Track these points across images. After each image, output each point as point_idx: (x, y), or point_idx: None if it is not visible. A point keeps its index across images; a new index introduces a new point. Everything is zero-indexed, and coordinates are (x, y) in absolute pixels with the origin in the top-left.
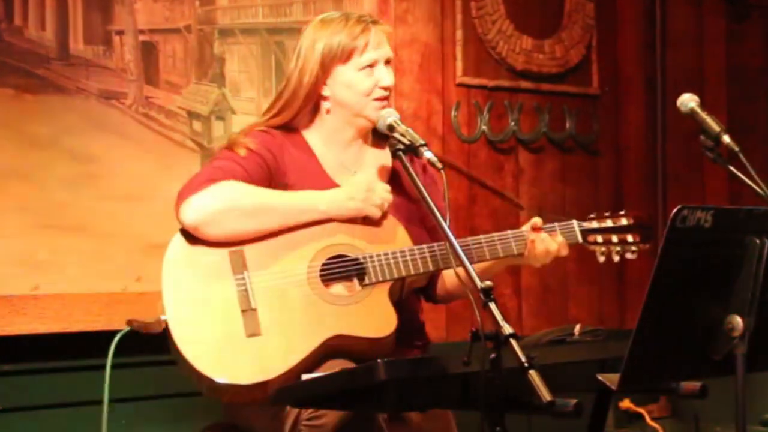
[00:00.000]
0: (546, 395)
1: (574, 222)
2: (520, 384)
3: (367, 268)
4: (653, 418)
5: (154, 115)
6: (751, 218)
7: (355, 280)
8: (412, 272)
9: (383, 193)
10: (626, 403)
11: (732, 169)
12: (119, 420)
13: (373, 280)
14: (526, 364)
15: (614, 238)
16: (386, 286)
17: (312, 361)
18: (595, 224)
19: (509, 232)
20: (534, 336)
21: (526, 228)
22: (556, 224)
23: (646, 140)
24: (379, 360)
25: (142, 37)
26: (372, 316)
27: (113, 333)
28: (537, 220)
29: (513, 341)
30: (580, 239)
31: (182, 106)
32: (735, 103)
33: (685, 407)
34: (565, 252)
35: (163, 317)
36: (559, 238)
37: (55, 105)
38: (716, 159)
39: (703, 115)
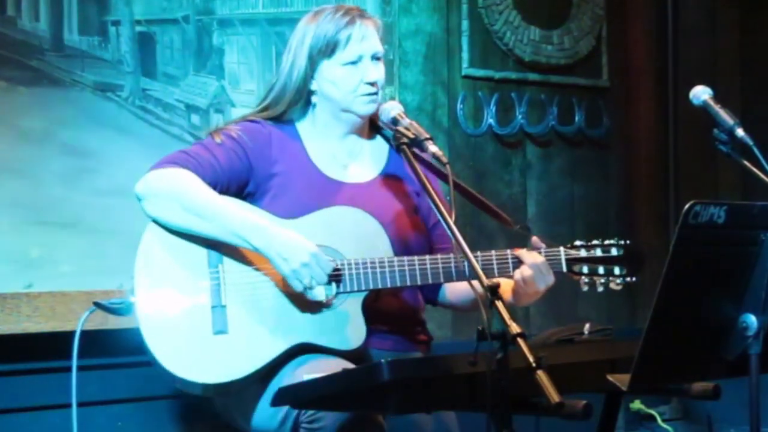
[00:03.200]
0: (554, 396)
1: (561, 250)
2: (527, 385)
3: (343, 275)
4: (665, 420)
5: (152, 108)
6: (766, 214)
7: (333, 285)
8: (388, 285)
9: (319, 275)
10: (637, 405)
11: (746, 163)
12: (115, 421)
13: (348, 288)
14: (534, 364)
15: (600, 269)
16: (360, 296)
17: (277, 364)
18: (582, 253)
19: (508, 251)
20: (542, 335)
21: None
22: (542, 249)
23: (657, 134)
24: (382, 360)
25: (138, 28)
26: (342, 327)
27: (111, 332)
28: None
29: (520, 340)
30: (564, 269)
31: (180, 99)
32: (749, 95)
33: (697, 409)
34: (550, 279)
35: (132, 299)
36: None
37: (49, 98)
38: (730, 153)
39: (716, 107)
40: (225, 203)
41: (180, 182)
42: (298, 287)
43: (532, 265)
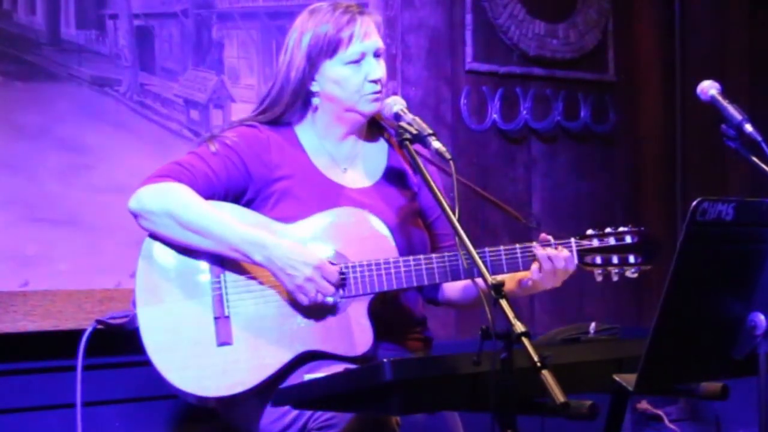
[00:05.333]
0: (560, 396)
1: (572, 241)
2: (532, 384)
3: (347, 280)
4: (672, 421)
5: (150, 104)
6: None
7: (339, 289)
8: (395, 287)
9: (325, 288)
10: (644, 405)
11: (754, 159)
12: (112, 422)
13: (353, 293)
14: (538, 364)
15: (614, 259)
16: (366, 300)
17: (283, 373)
18: (595, 243)
19: (517, 245)
20: (547, 334)
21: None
22: (552, 242)
23: (664, 129)
24: (385, 360)
25: (136, 22)
26: (348, 333)
27: (107, 331)
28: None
29: (525, 340)
30: (576, 261)
31: (179, 94)
32: (758, 90)
33: (705, 409)
34: (572, 267)
35: (133, 312)
36: (565, 252)
37: (46, 92)
38: (738, 149)
39: (725, 103)
40: (223, 217)
41: (174, 197)
42: (304, 301)
43: (553, 260)
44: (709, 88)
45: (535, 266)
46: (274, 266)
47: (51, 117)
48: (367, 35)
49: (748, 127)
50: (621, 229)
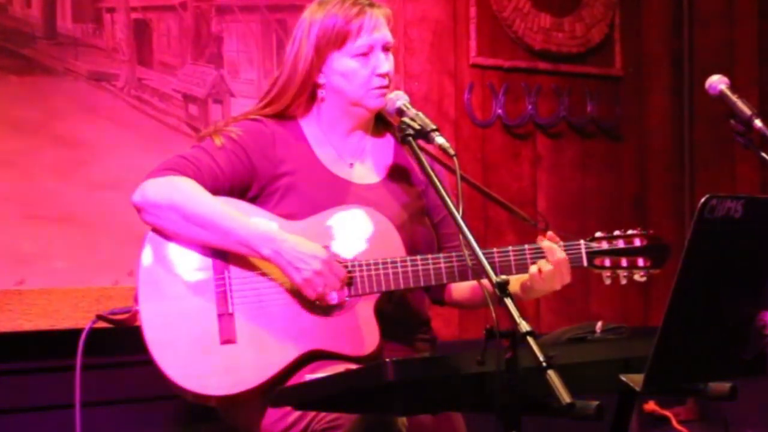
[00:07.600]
0: (566, 397)
1: (582, 243)
2: (538, 385)
3: (354, 278)
4: (680, 422)
5: (148, 98)
6: None
7: (346, 288)
8: (402, 286)
9: (333, 282)
10: (651, 406)
11: (764, 155)
12: (111, 423)
13: (359, 291)
14: (544, 364)
15: (623, 262)
16: (373, 299)
17: (288, 373)
18: (604, 245)
19: (526, 245)
20: (553, 334)
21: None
22: (561, 244)
23: (672, 125)
24: (387, 359)
25: (134, 15)
26: (354, 332)
27: (106, 330)
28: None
29: (530, 339)
30: (585, 263)
31: (177, 89)
32: (767, 85)
33: (713, 410)
34: (568, 278)
35: (135, 308)
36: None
37: (42, 87)
38: (747, 145)
39: (734, 97)
40: (229, 212)
41: (180, 191)
42: (311, 296)
43: (555, 262)
44: (718, 82)
45: (534, 268)
46: (282, 260)
47: (47, 112)
48: (375, 28)
49: (758, 123)
50: (630, 231)
